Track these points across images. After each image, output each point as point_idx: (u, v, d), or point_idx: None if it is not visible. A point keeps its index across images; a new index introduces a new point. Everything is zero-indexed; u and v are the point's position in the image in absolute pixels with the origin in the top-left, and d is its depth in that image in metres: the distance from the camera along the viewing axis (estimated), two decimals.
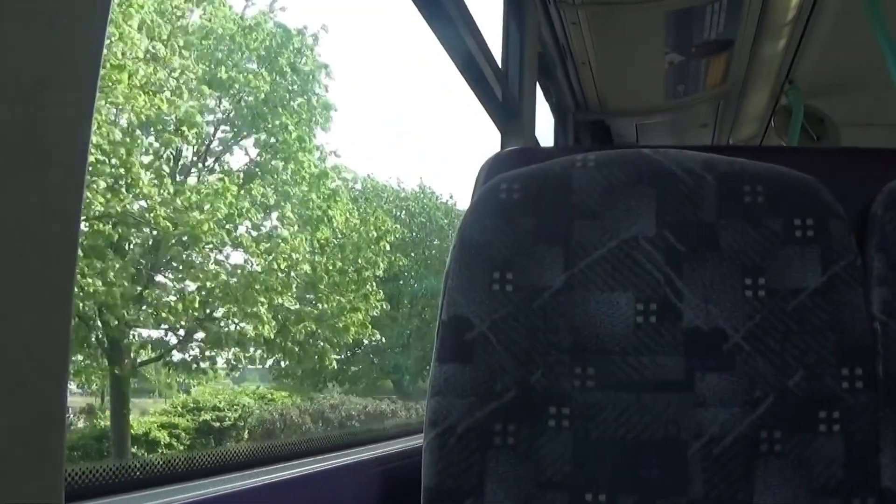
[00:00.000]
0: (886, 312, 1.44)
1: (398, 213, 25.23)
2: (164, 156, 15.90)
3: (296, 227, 17.51)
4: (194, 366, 17.44)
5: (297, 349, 17.54)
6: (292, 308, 17.05)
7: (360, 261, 18.77)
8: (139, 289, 15.30)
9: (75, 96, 1.04)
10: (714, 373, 1.41)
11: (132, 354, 16.14)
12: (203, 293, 15.97)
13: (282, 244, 16.90)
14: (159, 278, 16.18)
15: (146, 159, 15.28)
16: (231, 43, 17.55)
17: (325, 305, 17.74)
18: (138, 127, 14.70)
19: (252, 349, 17.16)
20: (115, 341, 15.71)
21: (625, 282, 1.44)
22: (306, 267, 17.22)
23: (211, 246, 16.19)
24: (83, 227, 11.86)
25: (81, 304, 13.87)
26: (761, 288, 1.42)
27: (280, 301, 16.55)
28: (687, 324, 1.43)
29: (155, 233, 15.39)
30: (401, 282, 24.21)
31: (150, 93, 14.64)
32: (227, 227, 16.22)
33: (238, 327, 16.55)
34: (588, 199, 1.47)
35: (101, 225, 14.23)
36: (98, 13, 1.06)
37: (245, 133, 17.79)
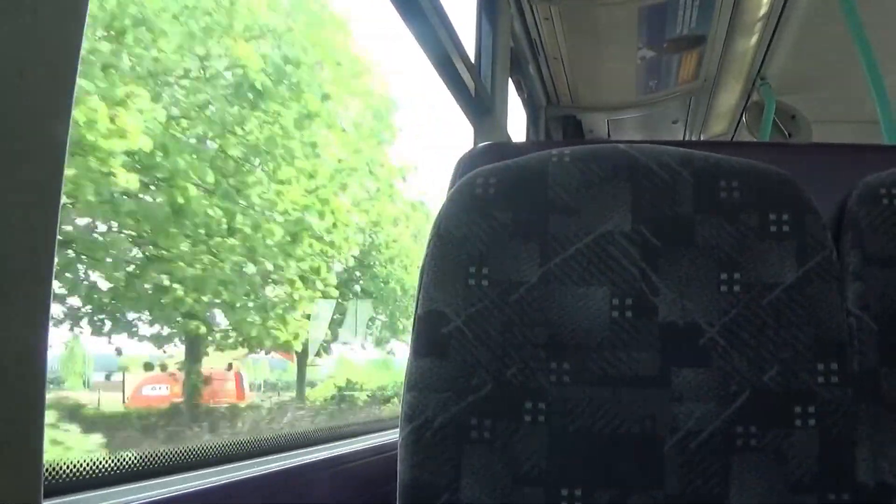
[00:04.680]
0: (861, 307, 1.45)
1: None
2: None
3: None
4: None
5: None
6: None
7: None
8: None
9: (54, 88, 1.03)
10: (689, 368, 1.41)
11: None
12: None
13: None
14: None
15: None
16: None
17: None
18: None
19: None
20: None
21: (600, 277, 1.44)
22: None
23: None
24: None
25: None
26: (737, 283, 1.42)
27: None
28: (662, 319, 1.43)
29: None
30: None
31: None
32: None
33: None
34: (564, 193, 1.47)
35: None
36: (77, 6, 1.06)
37: None
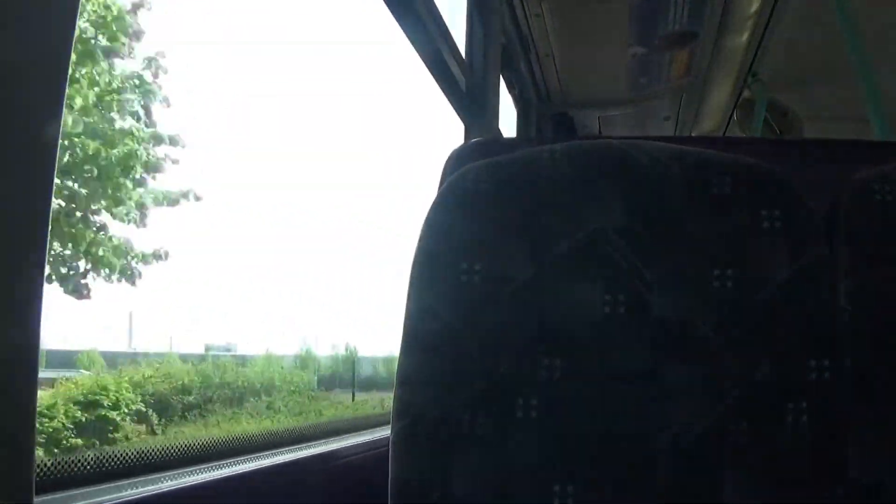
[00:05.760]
0: (853, 304, 1.45)
1: None
2: None
3: None
4: None
5: None
6: None
7: None
8: None
9: (46, 87, 1.03)
10: (682, 364, 1.41)
11: None
12: None
13: None
14: None
15: None
16: None
17: None
18: None
19: None
20: None
21: (593, 273, 1.44)
22: None
23: None
24: None
25: None
26: (729, 279, 1.42)
27: None
28: (654, 315, 1.42)
29: None
30: None
31: None
32: None
33: None
34: (556, 189, 1.46)
35: None
36: (68, 4, 1.06)
37: None
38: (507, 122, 4.88)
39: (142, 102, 10.19)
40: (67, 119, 9.04)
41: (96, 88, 9.62)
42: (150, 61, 10.22)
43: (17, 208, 1.01)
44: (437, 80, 3.20)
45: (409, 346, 1.46)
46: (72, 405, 9.50)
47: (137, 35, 10.07)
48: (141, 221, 10.02)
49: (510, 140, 3.70)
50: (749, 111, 4.87)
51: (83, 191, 9.58)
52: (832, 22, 3.43)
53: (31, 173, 1.03)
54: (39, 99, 1.03)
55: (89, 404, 9.72)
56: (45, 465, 1.56)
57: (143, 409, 10.16)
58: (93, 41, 9.73)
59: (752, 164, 1.47)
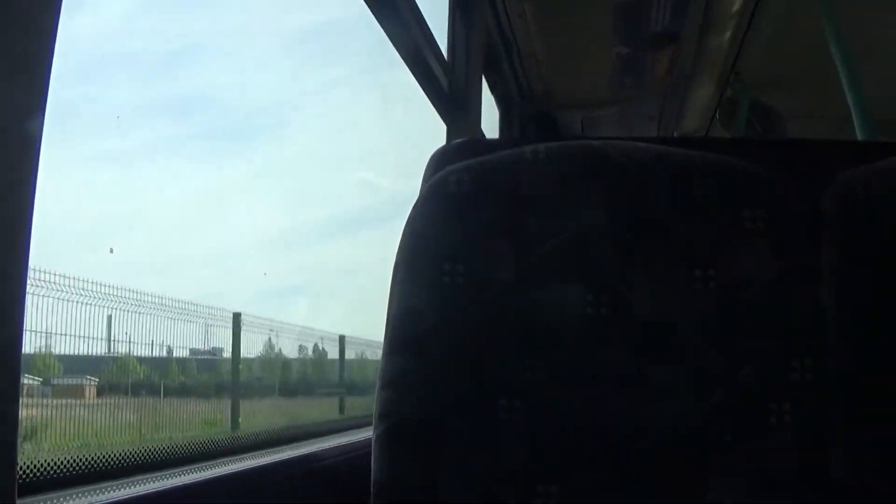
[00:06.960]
0: (837, 304, 1.44)
1: None
2: None
3: None
4: None
5: None
6: None
7: None
8: None
9: (28, 81, 1.03)
10: (665, 365, 1.40)
11: None
12: None
13: None
14: None
15: None
16: None
17: None
18: None
19: None
20: None
21: (576, 274, 1.43)
22: None
23: None
24: None
25: None
26: (712, 280, 1.41)
27: None
28: (638, 316, 1.41)
29: None
30: None
31: None
32: None
33: None
34: (538, 190, 1.45)
35: None
36: (51, 3, 1.05)
37: None
38: (490, 122, 4.88)
39: None
40: None
41: None
42: None
43: (1, 207, 1.00)
44: (419, 80, 3.19)
45: (392, 348, 1.45)
46: None
47: None
48: None
49: (493, 141, 3.70)
50: (732, 111, 4.87)
51: None
52: (815, 21, 3.43)
53: (13, 172, 1.02)
54: (21, 96, 1.02)
55: None
56: None
57: None
58: None
59: (735, 165, 1.46)
